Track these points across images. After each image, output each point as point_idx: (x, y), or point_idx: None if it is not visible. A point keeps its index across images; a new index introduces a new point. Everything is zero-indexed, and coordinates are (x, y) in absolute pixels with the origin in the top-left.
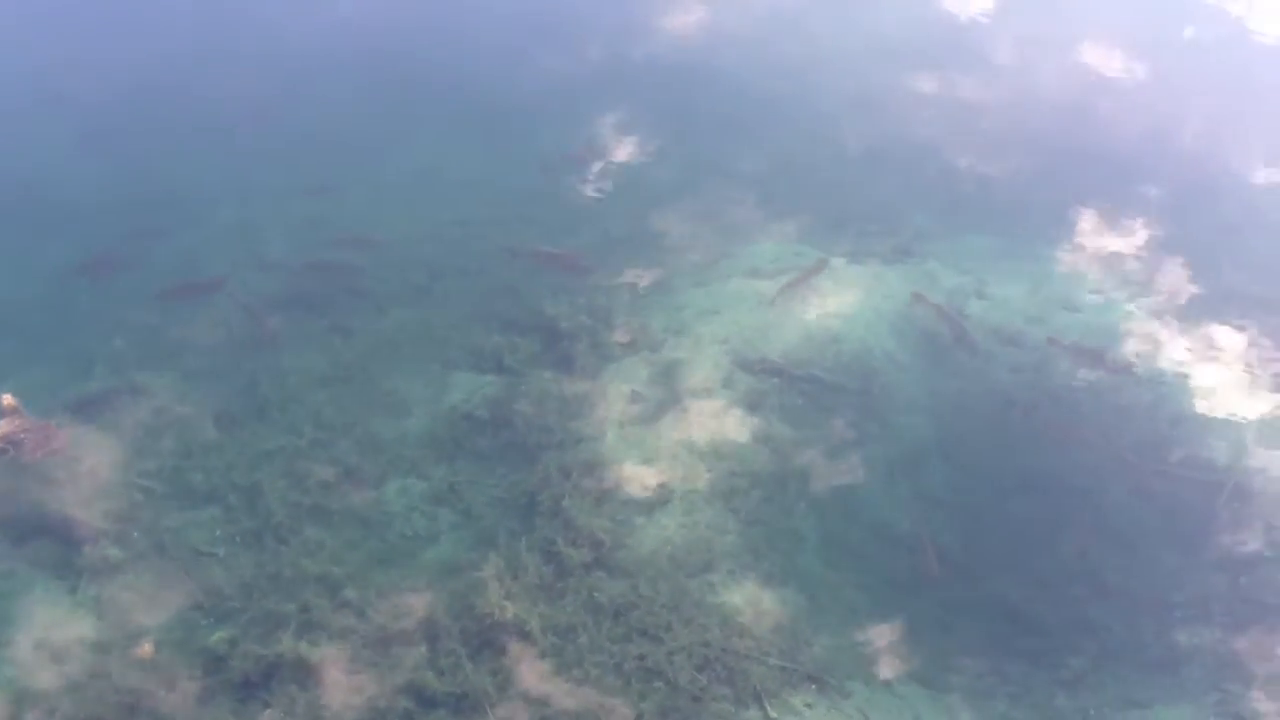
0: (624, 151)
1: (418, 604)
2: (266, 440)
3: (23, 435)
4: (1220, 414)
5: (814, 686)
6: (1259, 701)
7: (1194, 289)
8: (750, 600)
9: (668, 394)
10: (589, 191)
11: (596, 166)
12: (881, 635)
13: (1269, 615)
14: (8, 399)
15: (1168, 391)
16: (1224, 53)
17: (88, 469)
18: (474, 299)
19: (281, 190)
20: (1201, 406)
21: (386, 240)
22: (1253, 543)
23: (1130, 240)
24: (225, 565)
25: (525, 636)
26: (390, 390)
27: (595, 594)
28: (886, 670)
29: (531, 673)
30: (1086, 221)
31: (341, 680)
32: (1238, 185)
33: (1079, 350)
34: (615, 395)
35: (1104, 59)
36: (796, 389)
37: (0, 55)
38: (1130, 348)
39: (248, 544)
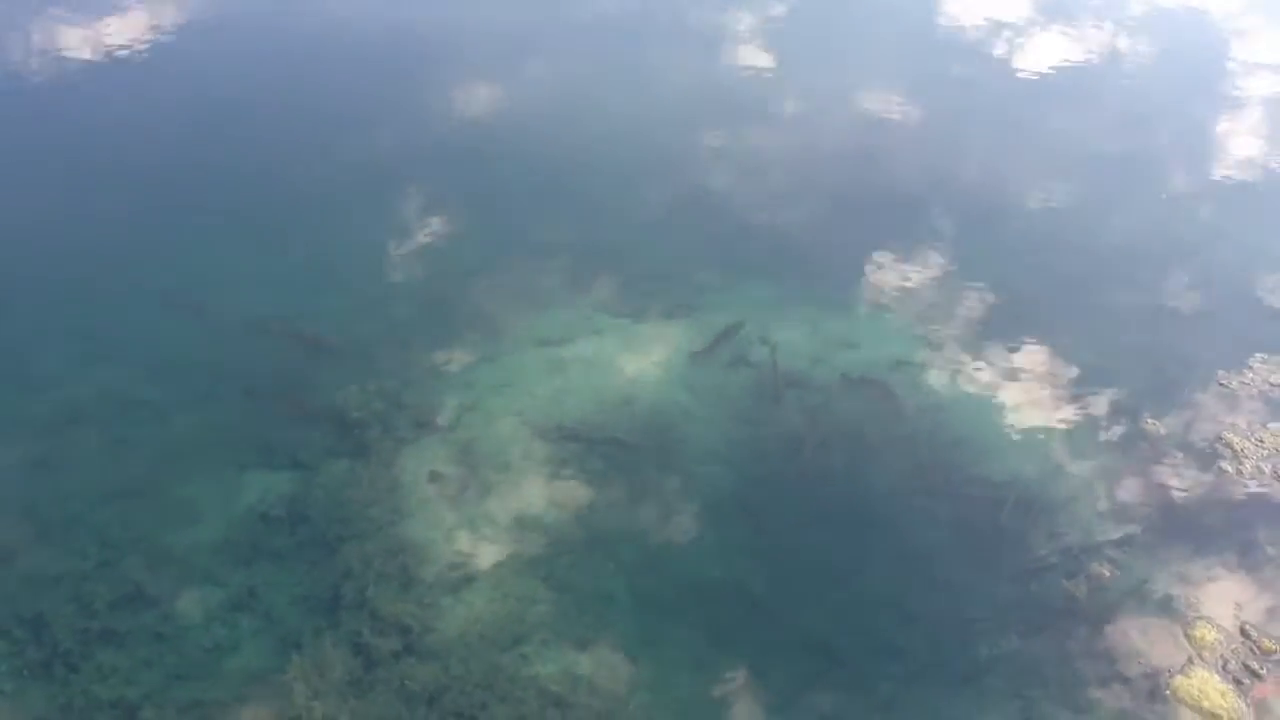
0: (426, 232)
1: (221, 717)
2: (49, 566)
3: None
4: (1004, 430)
5: None
6: (1057, 704)
7: (982, 314)
8: (565, 668)
9: (467, 471)
10: (390, 275)
11: (398, 250)
12: (696, 686)
13: (1059, 619)
14: None
15: (953, 414)
16: (991, 89)
17: None
18: (261, 397)
19: (50, 303)
20: (984, 425)
21: (168, 344)
22: (1039, 551)
23: (917, 273)
24: (13, 700)
25: None
26: (179, 499)
27: (406, 682)
28: None
29: None
30: (875, 259)
31: None
32: (1017, 210)
33: (865, 383)
34: (414, 478)
35: (882, 104)
36: (595, 453)
37: None
38: (916, 376)
39: (36, 676)
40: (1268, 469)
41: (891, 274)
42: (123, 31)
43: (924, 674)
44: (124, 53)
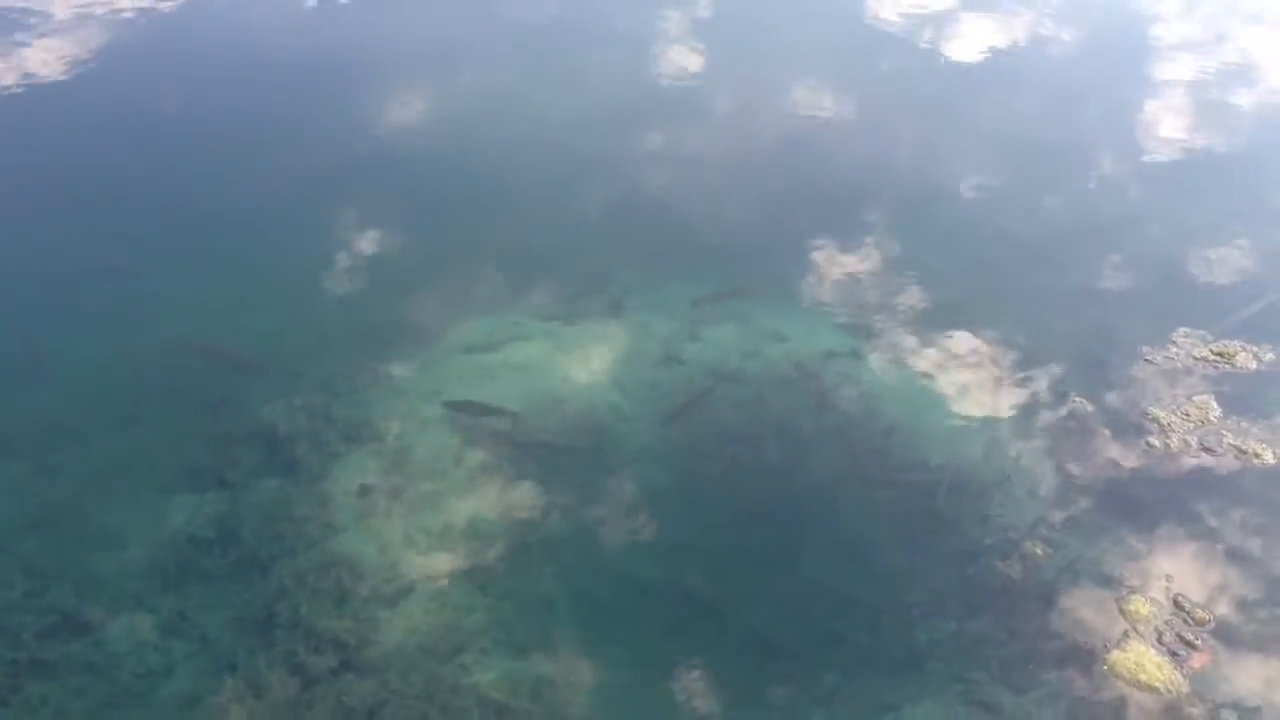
0: (358, 245)
1: None
2: None
3: None
4: (937, 417)
5: None
6: (997, 684)
7: (913, 303)
8: (506, 675)
9: (400, 481)
10: (318, 288)
11: (327, 262)
12: (640, 686)
13: (995, 601)
14: None
15: (885, 403)
16: (920, 79)
17: None
18: (185, 418)
19: None
20: (916, 412)
21: (89, 367)
22: (974, 534)
23: (851, 264)
24: None
25: None
26: (105, 525)
27: (345, 698)
28: None
29: None
30: (809, 253)
31: None
32: (948, 199)
33: (798, 375)
34: (345, 492)
35: (813, 99)
36: (529, 457)
37: None
38: (849, 367)
39: None
40: (1194, 441)
41: (825, 267)
42: (43, 56)
43: (865, 662)
44: (46, 77)
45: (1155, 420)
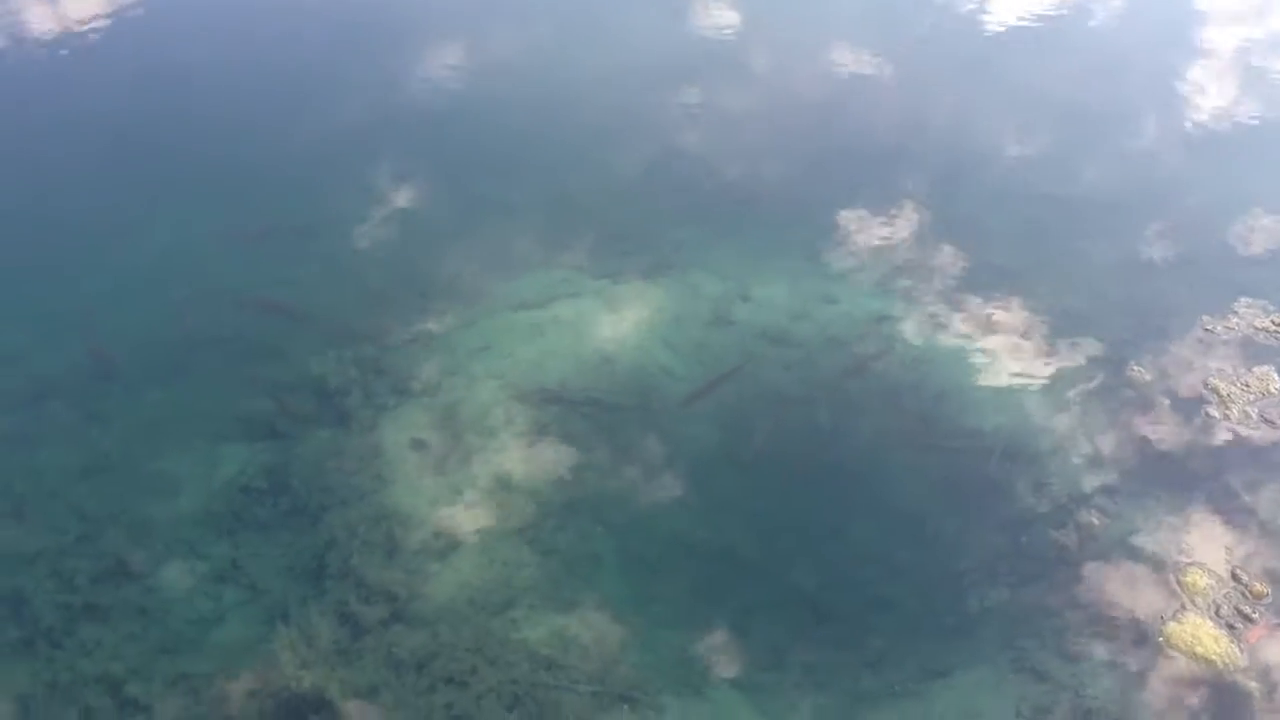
0: (398, 200)
1: (208, 689)
2: (26, 543)
3: None
4: (988, 383)
5: (626, 706)
6: (1050, 653)
7: (960, 267)
8: (555, 630)
9: (449, 436)
10: (362, 243)
11: (369, 217)
12: (687, 645)
13: (1049, 570)
14: None
15: (935, 368)
16: (962, 42)
17: None
18: (236, 368)
19: (12, 277)
20: (967, 378)
21: (136, 317)
22: (1028, 501)
23: (894, 228)
24: None
25: (326, 704)
26: (157, 472)
27: (395, 649)
28: (695, 678)
29: None
30: (851, 216)
31: None
32: (990, 163)
33: (848, 338)
34: (396, 445)
35: (852, 59)
36: (577, 414)
37: None
38: (897, 331)
39: (18, 654)
40: (1254, 413)
41: (868, 229)
42: (80, 7)
43: (915, 627)
44: (84, 26)
45: (1214, 391)
